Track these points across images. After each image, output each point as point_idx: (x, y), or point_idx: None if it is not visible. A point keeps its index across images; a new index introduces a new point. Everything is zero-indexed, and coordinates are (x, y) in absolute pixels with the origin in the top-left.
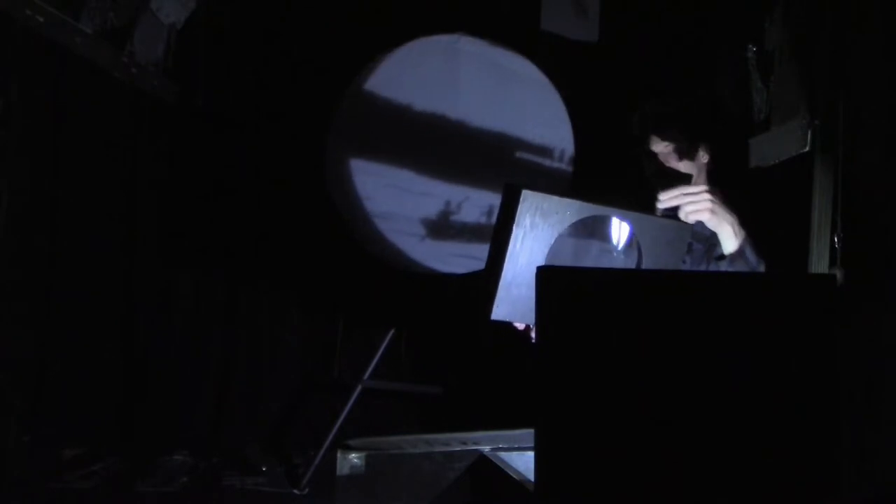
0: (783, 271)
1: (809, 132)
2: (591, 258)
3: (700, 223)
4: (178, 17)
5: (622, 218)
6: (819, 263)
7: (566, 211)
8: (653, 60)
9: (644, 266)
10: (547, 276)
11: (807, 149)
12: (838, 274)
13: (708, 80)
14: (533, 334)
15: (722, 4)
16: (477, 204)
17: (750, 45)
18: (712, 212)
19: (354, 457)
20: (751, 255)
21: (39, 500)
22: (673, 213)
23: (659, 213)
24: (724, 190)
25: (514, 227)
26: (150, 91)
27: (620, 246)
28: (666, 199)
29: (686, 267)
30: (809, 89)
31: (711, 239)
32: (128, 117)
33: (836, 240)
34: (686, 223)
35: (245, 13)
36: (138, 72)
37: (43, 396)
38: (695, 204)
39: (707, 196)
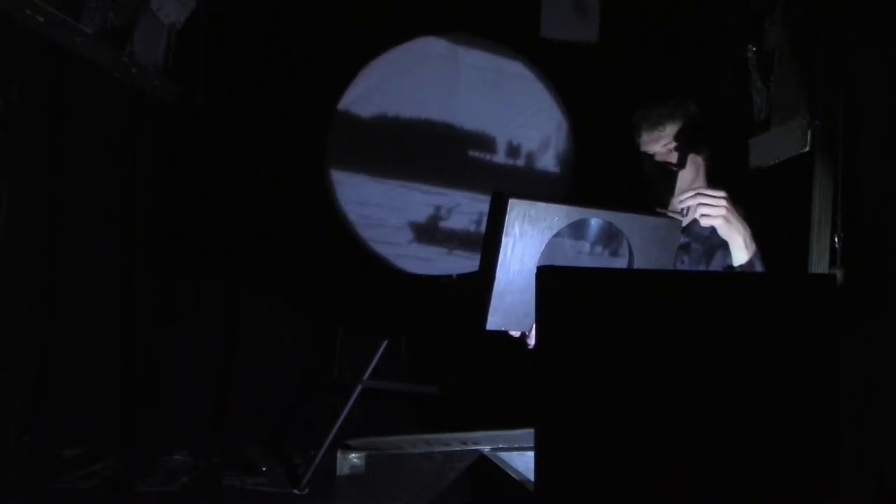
0: (783, 271)
1: (809, 132)
2: (582, 261)
3: (703, 226)
4: (178, 17)
5: (611, 219)
6: (819, 263)
7: (555, 216)
8: (653, 60)
9: (636, 265)
10: (547, 276)
11: (807, 149)
12: (838, 274)
13: (708, 80)
14: (529, 341)
15: (722, 4)
16: (470, 209)
17: (750, 45)
18: (726, 219)
19: (354, 457)
20: (760, 269)
21: (39, 500)
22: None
23: (680, 211)
24: (740, 207)
25: (503, 237)
26: (150, 91)
27: (610, 246)
28: (684, 199)
29: (685, 267)
30: (809, 89)
31: (711, 240)
32: (128, 117)
33: (836, 240)
34: (677, 220)
35: (245, 13)
36: (138, 72)
37: (43, 396)
38: (711, 208)
39: (724, 203)
